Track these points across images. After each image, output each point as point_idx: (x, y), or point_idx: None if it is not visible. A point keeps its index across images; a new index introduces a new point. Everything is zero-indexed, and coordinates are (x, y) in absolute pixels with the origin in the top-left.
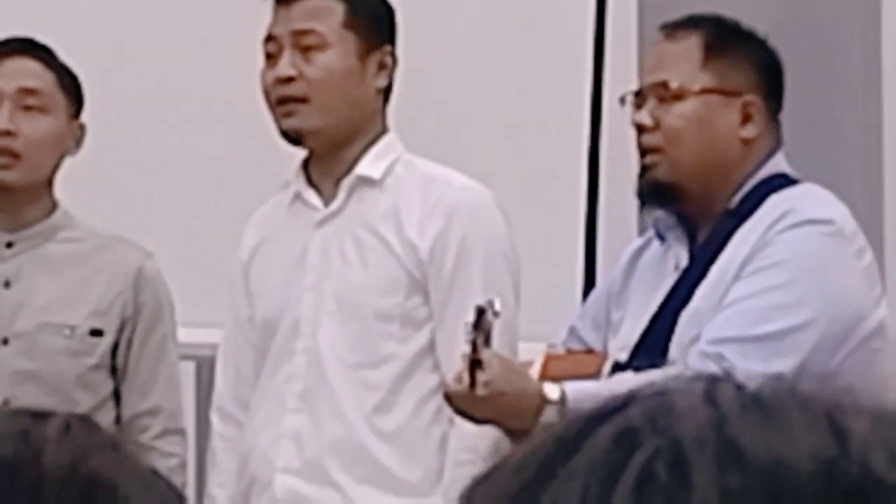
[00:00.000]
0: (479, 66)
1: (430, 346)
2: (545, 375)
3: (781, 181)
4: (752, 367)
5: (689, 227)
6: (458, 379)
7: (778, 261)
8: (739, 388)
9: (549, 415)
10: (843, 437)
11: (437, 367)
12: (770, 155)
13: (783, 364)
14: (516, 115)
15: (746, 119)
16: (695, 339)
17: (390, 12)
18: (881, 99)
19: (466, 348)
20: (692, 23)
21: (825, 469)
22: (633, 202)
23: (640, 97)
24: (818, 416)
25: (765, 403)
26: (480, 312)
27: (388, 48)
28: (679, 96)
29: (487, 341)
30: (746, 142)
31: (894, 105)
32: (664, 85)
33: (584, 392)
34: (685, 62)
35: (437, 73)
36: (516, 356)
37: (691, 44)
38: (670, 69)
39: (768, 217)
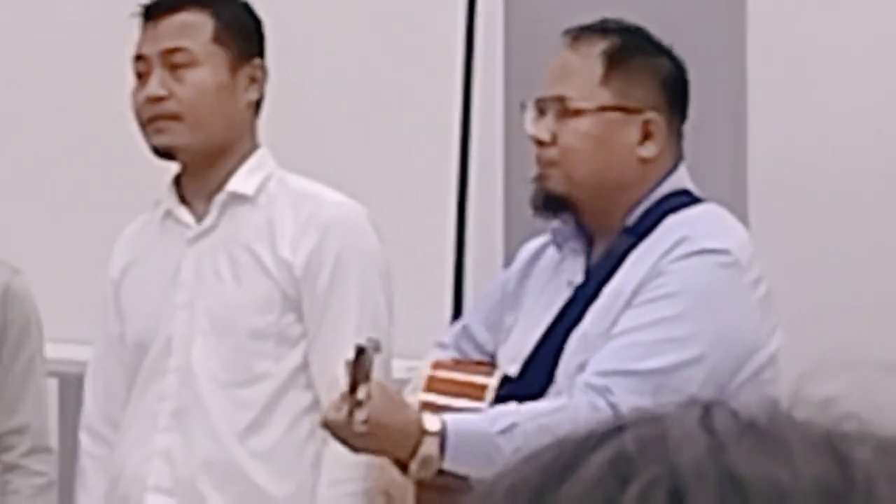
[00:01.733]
0: (349, 79)
1: (305, 364)
2: (430, 387)
3: (682, 199)
4: (638, 402)
5: (586, 239)
6: (336, 407)
7: (670, 292)
8: (735, 413)
9: (429, 446)
10: (846, 465)
11: (310, 385)
12: (671, 171)
13: (671, 400)
14: (387, 129)
15: (646, 137)
16: (582, 366)
17: (258, 25)
18: (745, 98)
19: (345, 387)
20: (595, 31)
21: (828, 499)
22: (500, 215)
23: (540, 106)
24: (819, 443)
25: (763, 430)
26: (360, 352)
27: (257, 61)
28: (577, 112)
29: (367, 377)
30: (645, 160)
31: (758, 106)
32: (562, 99)
33: (464, 425)
34: (585, 77)
35: (306, 86)
36: (390, 373)
37: (593, 56)
38: (569, 83)
39: (663, 242)
